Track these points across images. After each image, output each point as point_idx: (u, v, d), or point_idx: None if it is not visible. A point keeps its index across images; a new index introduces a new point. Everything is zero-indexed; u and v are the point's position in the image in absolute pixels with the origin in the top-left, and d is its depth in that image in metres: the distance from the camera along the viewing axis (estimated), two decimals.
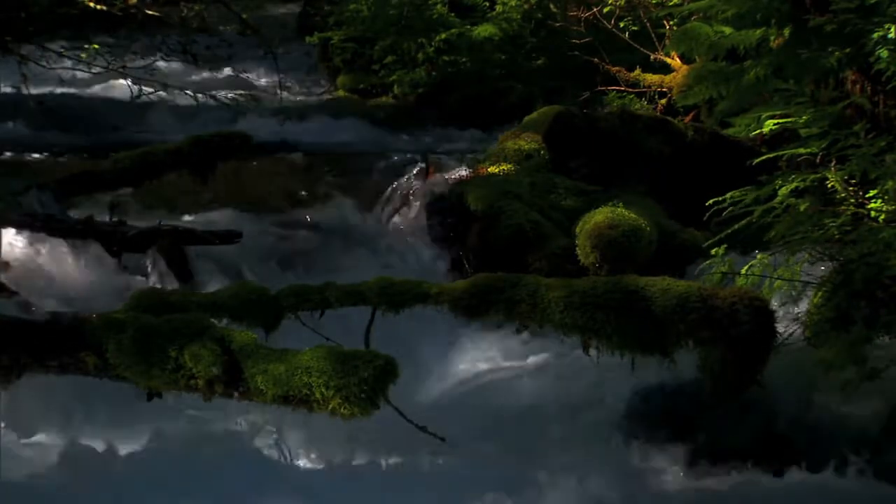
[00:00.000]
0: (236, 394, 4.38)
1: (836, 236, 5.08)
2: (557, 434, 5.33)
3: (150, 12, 8.66)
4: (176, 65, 12.06)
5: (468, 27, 12.00)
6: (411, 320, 5.06)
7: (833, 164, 5.30)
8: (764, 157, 5.84)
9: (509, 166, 7.76)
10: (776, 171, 5.82)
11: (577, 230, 6.78)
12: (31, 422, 5.29)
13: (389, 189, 8.05)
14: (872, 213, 5.08)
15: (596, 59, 10.53)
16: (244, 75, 13.01)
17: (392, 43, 12.18)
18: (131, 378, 4.48)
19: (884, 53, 5.53)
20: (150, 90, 8.65)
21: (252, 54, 13.19)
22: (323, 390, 4.13)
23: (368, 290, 4.90)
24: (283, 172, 8.85)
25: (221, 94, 9.70)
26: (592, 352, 4.91)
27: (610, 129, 7.94)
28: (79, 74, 10.12)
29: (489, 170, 7.76)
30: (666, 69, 10.20)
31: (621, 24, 10.58)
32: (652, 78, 10.22)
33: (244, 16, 9.57)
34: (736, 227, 5.53)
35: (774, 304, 5.11)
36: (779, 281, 5.24)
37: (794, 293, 5.28)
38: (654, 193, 7.53)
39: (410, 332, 5.49)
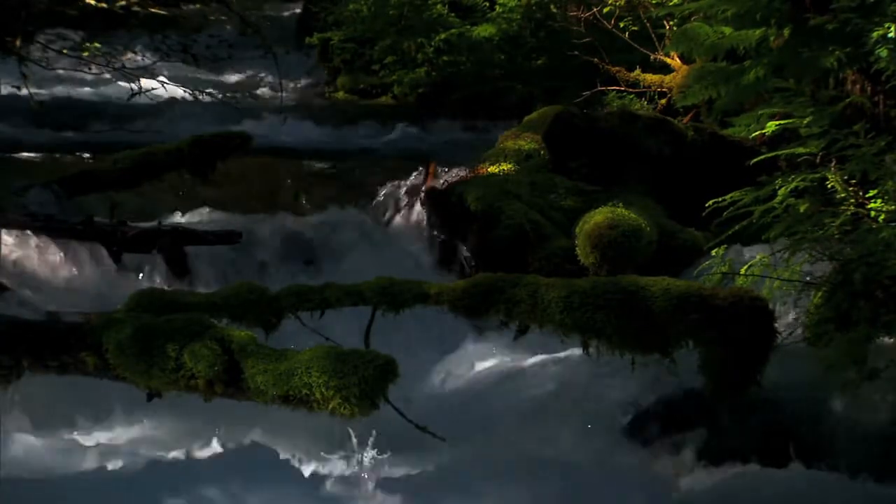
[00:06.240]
0: (236, 394, 4.38)
1: (836, 236, 5.08)
2: (557, 434, 5.33)
3: (153, 10, 8.64)
4: (176, 64, 12.08)
5: (468, 27, 12.00)
6: (412, 320, 5.07)
7: (833, 164, 5.30)
8: (763, 157, 5.84)
9: (509, 166, 7.76)
10: (776, 171, 5.83)
11: (577, 230, 6.78)
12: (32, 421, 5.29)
13: (389, 189, 8.05)
14: (872, 213, 5.09)
15: (596, 59, 10.52)
16: (244, 75, 13.01)
17: (392, 43, 12.18)
18: (131, 378, 4.47)
19: (883, 53, 5.53)
20: (150, 89, 8.65)
21: (252, 54, 13.18)
22: (323, 390, 4.13)
23: (368, 290, 4.89)
24: (283, 172, 8.85)
25: (221, 94, 9.71)
26: (592, 352, 4.91)
27: (610, 129, 7.94)
28: (79, 74, 10.12)
29: (489, 170, 7.76)
30: (666, 69, 10.20)
31: (621, 24, 10.57)
32: (652, 78, 10.22)
33: (245, 13, 9.57)
34: (737, 227, 5.54)
35: (774, 304, 5.11)
36: (779, 281, 5.24)
37: (794, 293, 5.28)
38: (654, 193, 7.53)
39: (410, 331, 5.49)
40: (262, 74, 13.38)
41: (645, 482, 5.01)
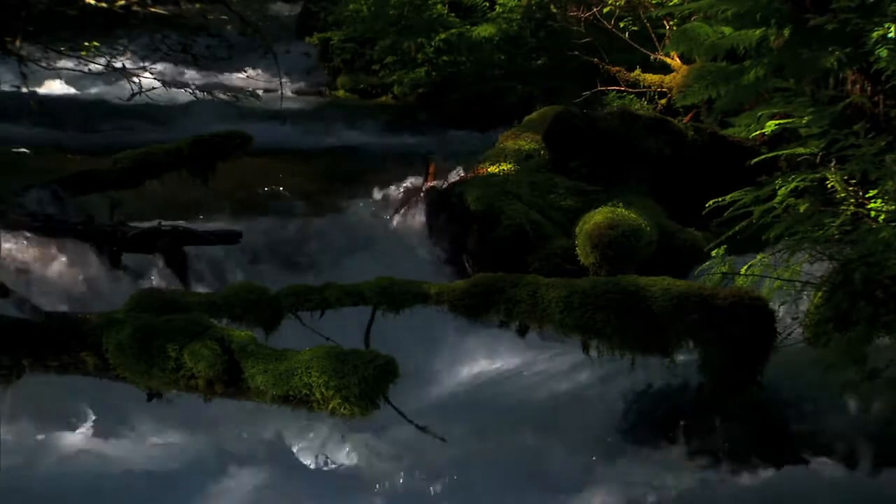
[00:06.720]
0: (236, 394, 4.38)
1: (836, 236, 5.08)
2: (556, 434, 5.33)
3: (153, 10, 8.65)
4: (176, 64, 12.07)
5: (468, 27, 12.02)
6: (412, 320, 5.06)
7: (833, 164, 5.30)
8: (763, 157, 5.84)
9: (509, 166, 7.76)
10: (776, 171, 5.83)
11: (577, 230, 6.79)
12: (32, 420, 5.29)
13: (390, 189, 8.05)
14: (872, 213, 5.08)
15: (596, 59, 10.53)
16: (244, 75, 13.03)
17: (392, 43, 12.20)
18: (131, 378, 4.47)
19: (883, 53, 5.54)
20: (150, 89, 8.66)
21: (252, 54, 13.19)
22: (323, 390, 4.12)
23: (368, 290, 4.89)
24: (283, 172, 8.86)
25: (221, 93, 9.72)
26: (592, 352, 4.90)
27: (610, 129, 7.94)
28: (79, 74, 10.14)
29: (489, 170, 7.76)
30: (666, 69, 10.21)
31: (621, 24, 10.58)
32: (652, 78, 10.23)
33: (245, 13, 9.57)
34: (736, 228, 5.53)
35: (774, 304, 5.11)
36: (779, 281, 5.24)
37: (794, 293, 5.28)
38: (654, 193, 7.53)
39: (410, 331, 5.48)
40: (263, 74, 13.39)
41: (644, 483, 5.01)
